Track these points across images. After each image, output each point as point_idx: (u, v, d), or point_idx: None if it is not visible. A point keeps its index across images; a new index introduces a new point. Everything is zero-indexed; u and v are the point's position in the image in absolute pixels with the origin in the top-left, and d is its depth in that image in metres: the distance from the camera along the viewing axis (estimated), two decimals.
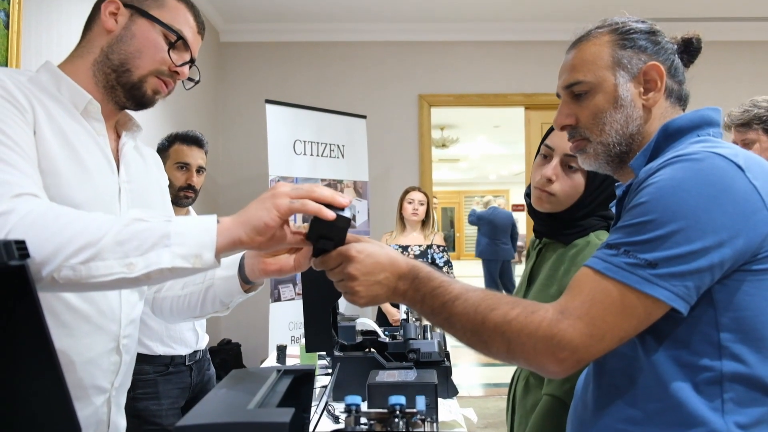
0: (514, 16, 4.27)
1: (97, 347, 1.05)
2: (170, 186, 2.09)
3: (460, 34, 4.44)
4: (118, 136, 1.15)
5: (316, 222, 0.92)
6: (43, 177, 0.93)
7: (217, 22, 4.28)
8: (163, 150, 2.15)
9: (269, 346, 3.40)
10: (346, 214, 0.92)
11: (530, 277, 1.41)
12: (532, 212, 1.42)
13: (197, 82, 1.18)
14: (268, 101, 3.51)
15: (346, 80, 4.43)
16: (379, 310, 3.65)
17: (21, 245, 0.70)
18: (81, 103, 1.04)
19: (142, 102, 1.10)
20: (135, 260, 0.83)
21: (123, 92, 1.07)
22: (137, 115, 1.21)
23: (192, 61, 1.13)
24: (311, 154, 3.70)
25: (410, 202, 3.57)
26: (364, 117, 4.06)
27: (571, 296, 0.84)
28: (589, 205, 1.32)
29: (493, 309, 0.86)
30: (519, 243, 9.22)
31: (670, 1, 3.94)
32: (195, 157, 2.13)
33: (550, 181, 1.31)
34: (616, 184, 1.07)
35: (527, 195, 1.45)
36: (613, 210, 1.00)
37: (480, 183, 17.55)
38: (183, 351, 2.05)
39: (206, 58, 4.15)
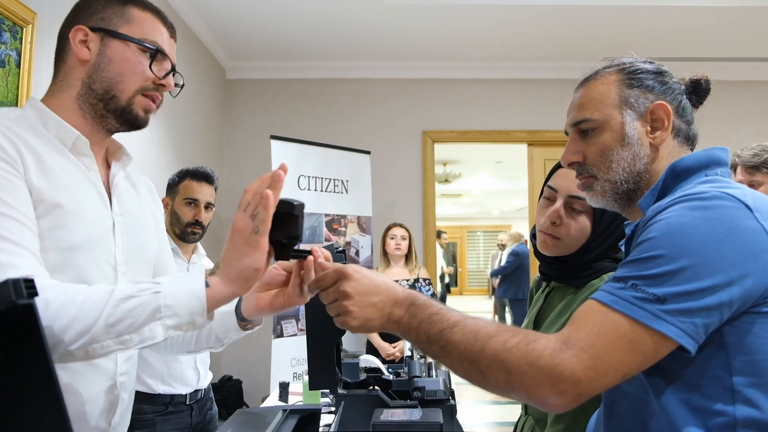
0: (517, 55, 4.34)
1: (93, 386, 1.03)
2: (178, 221, 2.11)
3: (463, 71, 4.51)
4: (108, 166, 1.13)
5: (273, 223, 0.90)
6: (38, 221, 0.93)
7: (223, 60, 4.35)
8: (173, 185, 2.16)
9: (271, 382, 3.35)
10: (294, 201, 0.91)
11: (536, 320, 1.39)
12: (538, 254, 1.40)
13: (182, 87, 1.15)
14: (273, 137, 3.54)
15: (351, 116, 4.48)
16: (369, 345, 3.62)
17: (30, 284, 0.69)
18: (69, 140, 1.02)
19: (136, 123, 1.08)
20: (129, 337, 0.86)
21: (114, 118, 1.05)
22: (139, 148, 1.21)
23: (173, 69, 1.10)
24: (315, 189, 3.71)
25: (392, 238, 3.64)
26: (368, 153, 4.09)
27: (576, 327, 0.81)
28: (597, 248, 1.30)
29: (493, 336, 0.83)
30: None
31: (673, 41, 4.01)
32: (204, 193, 2.13)
33: (555, 224, 1.30)
34: (625, 222, 1.07)
35: (533, 236, 1.44)
36: (623, 249, 0.99)
37: (482, 218, 17.56)
38: (183, 390, 2.02)
39: (212, 94, 4.20)
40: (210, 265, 2.32)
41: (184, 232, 2.09)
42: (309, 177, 3.69)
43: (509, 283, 7.99)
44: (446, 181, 10.00)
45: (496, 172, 10.59)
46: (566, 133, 1.07)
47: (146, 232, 1.17)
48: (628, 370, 0.79)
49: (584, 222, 1.29)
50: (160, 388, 1.97)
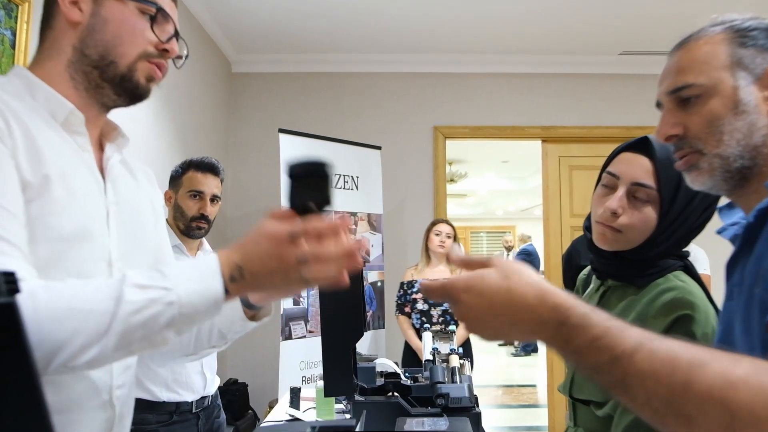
0: (531, 48, 4.20)
1: (84, 403, 0.87)
2: (182, 215, 1.97)
3: (476, 65, 4.37)
4: (101, 149, 0.98)
5: (292, 185, 0.77)
6: (27, 207, 0.79)
7: (229, 53, 4.21)
8: (177, 177, 2.02)
9: (279, 386, 3.21)
10: (323, 159, 0.76)
11: None
12: (593, 249, 1.24)
13: (186, 57, 1.02)
14: (281, 131, 3.40)
15: (360, 111, 4.34)
16: (407, 348, 3.51)
17: (10, 279, 0.56)
18: (60, 114, 0.88)
19: (137, 93, 0.94)
20: (138, 346, 0.74)
21: (112, 88, 0.92)
22: (142, 144, 1.07)
23: (176, 34, 0.97)
24: None
25: (437, 234, 3.49)
26: (378, 148, 3.95)
27: None
28: (663, 243, 1.15)
29: (704, 365, 0.58)
30: None
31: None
32: (209, 185, 1.99)
33: (615, 214, 1.14)
34: (720, 207, 0.92)
35: (587, 228, 1.29)
36: (728, 236, 0.84)
37: (486, 219, 17.42)
38: (190, 397, 1.88)
39: (218, 88, 4.07)
40: None
41: (189, 227, 1.95)
42: None
43: None
44: (452, 180, 9.87)
45: (503, 172, 10.47)
46: (658, 106, 0.92)
47: (144, 224, 1.03)
48: None
49: (649, 213, 1.14)
50: (165, 396, 1.83)
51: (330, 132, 3.87)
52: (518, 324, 0.69)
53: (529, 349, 8.41)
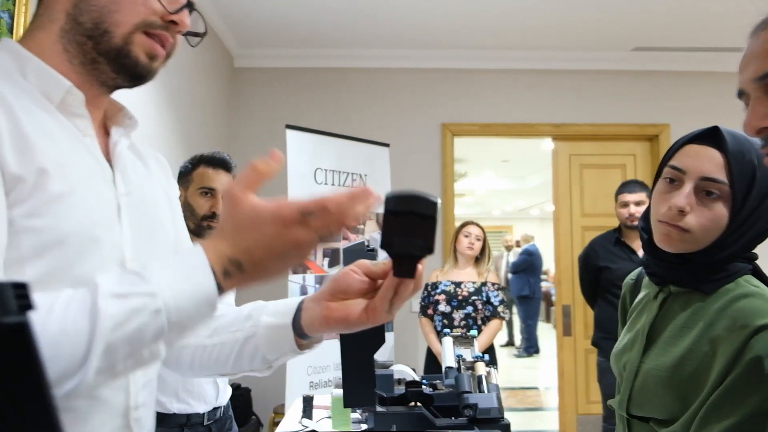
0: (540, 45, 4.09)
1: (96, 429, 0.74)
2: (192, 214, 1.84)
3: (485, 61, 4.25)
4: (107, 134, 0.85)
5: (389, 223, 0.65)
6: (14, 209, 0.66)
7: (231, 47, 4.09)
8: (186, 174, 1.90)
9: (286, 393, 3.08)
10: (431, 197, 0.65)
11: (650, 333, 1.13)
12: (651, 251, 1.14)
13: (204, 35, 0.87)
14: (288, 126, 3.28)
15: (367, 108, 4.22)
16: (429, 352, 3.40)
17: (21, 292, 0.44)
18: (56, 94, 0.75)
19: (137, 72, 0.80)
20: (124, 366, 0.63)
21: (108, 64, 0.78)
22: (142, 140, 0.94)
23: (190, 5, 0.82)
24: (333, 184, 3.45)
25: (467, 236, 3.42)
26: (387, 145, 3.83)
27: None
28: (734, 244, 1.04)
29: None
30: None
31: (715, 28, 3.75)
32: (222, 181, 1.86)
33: (682, 212, 1.04)
34: None
35: (643, 229, 1.18)
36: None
37: (483, 218, 17.20)
38: (201, 408, 1.76)
39: (220, 83, 3.94)
40: None
41: (200, 226, 1.83)
42: (326, 170, 3.43)
43: (522, 282, 8.32)
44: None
45: (502, 171, 10.39)
46: (740, 96, 0.81)
47: (161, 218, 0.90)
48: None
49: (721, 211, 1.04)
50: (175, 407, 1.70)
51: (336, 129, 3.75)
52: None
53: (531, 351, 8.32)
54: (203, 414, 1.76)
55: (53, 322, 0.59)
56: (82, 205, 0.72)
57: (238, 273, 0.65)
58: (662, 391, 1.06)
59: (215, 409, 1.80)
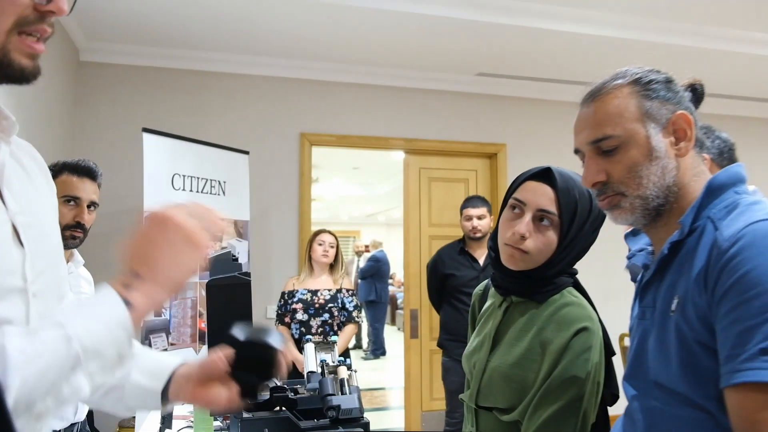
0: (397, 63, 4.34)
1: None
2: None
3: (343, 74, 4.42)
4: None
5: (241, 351, 0.83)
6: None
7: (77, 38, 3.82)
8: None
9: None
10: (275, 341, 0.83)
11: (495, 336, 1.35)
12: (498, 267, 1.36)
13: (74, 5, 0.82)
14: (145, 130, 3.17)
15: (226, 114, 4.18)
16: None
17: None
18: None
19: (24, 77, 0.75)
20: (44, 405, 0.63)
21: None
22: None
23: None
24: (191, 190, 3.39)
25: (320, 244, 3.49)
26: (246, 153, 3.84)
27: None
28: (561, 262, 1.29)
29: None
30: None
31: (555, 61, 4.26)
32: (87, 190, 1.81)
33: (523, 238, 1.27)
34: (627, 234, 1.04)
35: (491, 248, 1.40)
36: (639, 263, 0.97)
37: (332, 223, 17.50)
38: (58, 425, 1.69)
39: (63, 76, 3.67)
40: (87, 276, 1.98)
41: (62, 236, 1.74)
42: (184, 176, 3.36)
43: (370, 287, 8.57)
44: None
45: (353, 178, 10.66)
46: (576, 152, 1.02)
47: (50, 232, 0.85)
48: None
49: (551, 236, 1.28)
50: None
51: (194, 134, 3.68)
52: None
53: (378, 353, 8.66)
54: (60, 431, 1.69)
55: None
56: None
57: (137, 281, 0.68)
58: (504, 384, 1.27)
59: (72, 425, 1.74)
